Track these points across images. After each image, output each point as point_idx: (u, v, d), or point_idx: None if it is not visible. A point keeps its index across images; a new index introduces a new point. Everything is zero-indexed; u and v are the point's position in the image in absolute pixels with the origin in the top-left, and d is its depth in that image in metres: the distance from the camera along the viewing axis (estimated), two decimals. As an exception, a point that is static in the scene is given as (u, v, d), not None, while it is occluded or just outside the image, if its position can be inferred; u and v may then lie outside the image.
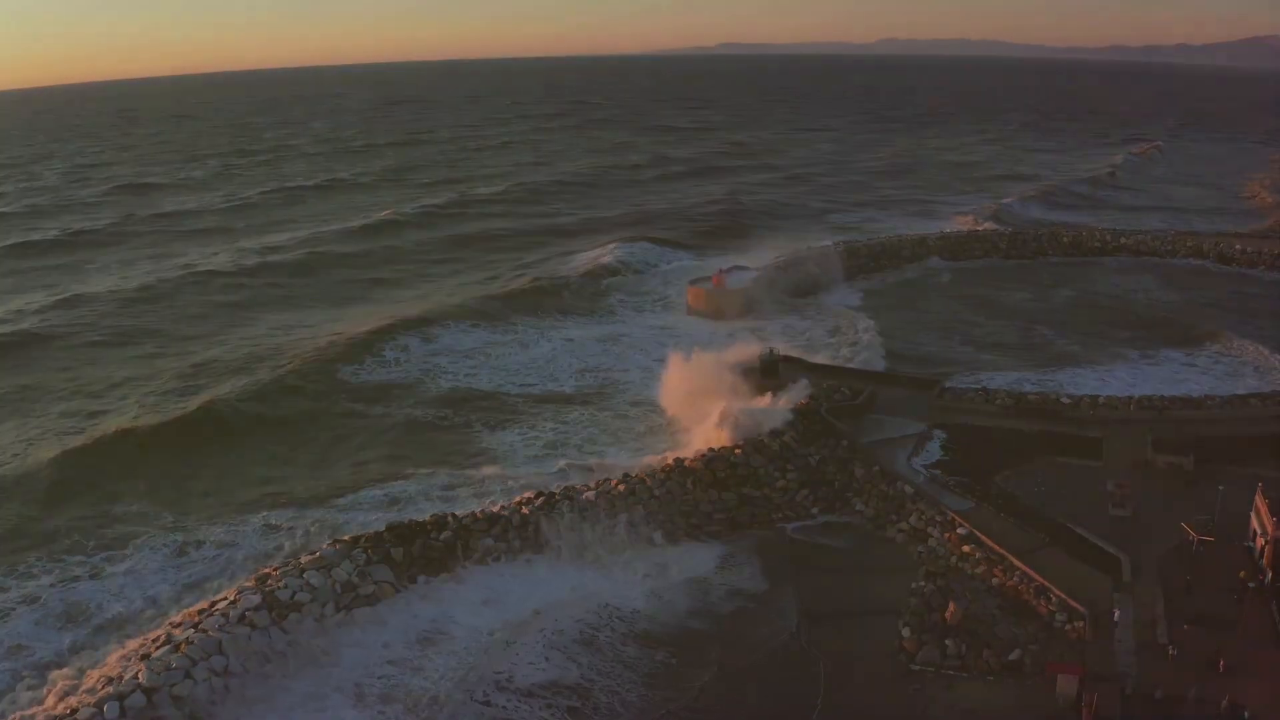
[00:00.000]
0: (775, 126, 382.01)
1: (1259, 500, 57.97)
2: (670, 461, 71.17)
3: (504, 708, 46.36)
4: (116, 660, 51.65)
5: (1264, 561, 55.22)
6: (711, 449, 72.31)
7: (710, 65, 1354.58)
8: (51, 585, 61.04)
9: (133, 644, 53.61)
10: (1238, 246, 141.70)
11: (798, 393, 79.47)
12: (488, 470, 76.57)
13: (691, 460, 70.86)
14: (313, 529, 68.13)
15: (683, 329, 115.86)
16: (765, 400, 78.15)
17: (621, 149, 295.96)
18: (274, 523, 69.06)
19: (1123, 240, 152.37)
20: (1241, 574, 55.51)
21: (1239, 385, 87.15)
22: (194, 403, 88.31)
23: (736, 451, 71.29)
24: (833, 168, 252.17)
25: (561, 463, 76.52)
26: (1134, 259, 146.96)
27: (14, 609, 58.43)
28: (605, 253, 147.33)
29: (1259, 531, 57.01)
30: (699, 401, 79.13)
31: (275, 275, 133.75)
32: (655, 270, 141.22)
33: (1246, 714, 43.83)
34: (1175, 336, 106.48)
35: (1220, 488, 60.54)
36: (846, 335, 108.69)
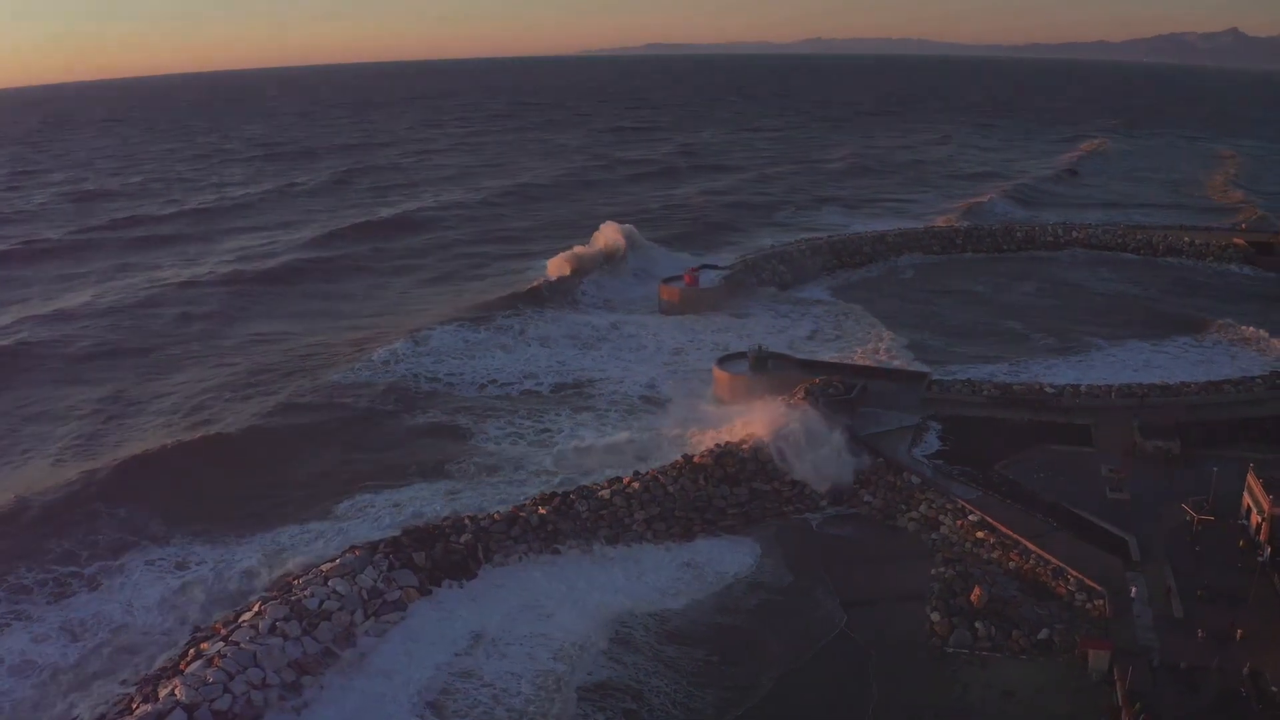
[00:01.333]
0: (721, 126, 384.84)
1: (1251, 480, 60.90)
2: (680, 459, 72.03)
3: (566, 711, 46.39)
4: (147, 677, 50.63)
5: (1261, 538, 58.02)
6: (719, 445, 73.36)
7: (640, 66, 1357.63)
8: (48, 602, 59.27)
9: (160, 660, 52.69)
10: (1185, 239, 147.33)
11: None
12: (486, 469, 76.86)
13: (701, 456, 71.72)
14: (317, 537, 67.53)
15: (656, 327, 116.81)
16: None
17: (574, 152, 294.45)
18: (276, 532, 68.08)
19: (1074, 234, 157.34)
20: (1241, 543, 58.54)
21: (1211, 371, 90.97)
22: (181, 416, 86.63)
23: (744, 447, 72.35)
24: (791, 168, 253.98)
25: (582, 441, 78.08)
26: (1086, 252, 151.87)
27: (10, 624, 56.73)
28: (576, 255, 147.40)
29: (1253, 509, 59.89)
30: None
31: (247, 285, 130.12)
32: (626, 271, 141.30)
33: (1274, 686, 46.05)
34: (1139, 326, 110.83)
35: (1214, 469, 63.37)
36: (871, 335, 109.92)
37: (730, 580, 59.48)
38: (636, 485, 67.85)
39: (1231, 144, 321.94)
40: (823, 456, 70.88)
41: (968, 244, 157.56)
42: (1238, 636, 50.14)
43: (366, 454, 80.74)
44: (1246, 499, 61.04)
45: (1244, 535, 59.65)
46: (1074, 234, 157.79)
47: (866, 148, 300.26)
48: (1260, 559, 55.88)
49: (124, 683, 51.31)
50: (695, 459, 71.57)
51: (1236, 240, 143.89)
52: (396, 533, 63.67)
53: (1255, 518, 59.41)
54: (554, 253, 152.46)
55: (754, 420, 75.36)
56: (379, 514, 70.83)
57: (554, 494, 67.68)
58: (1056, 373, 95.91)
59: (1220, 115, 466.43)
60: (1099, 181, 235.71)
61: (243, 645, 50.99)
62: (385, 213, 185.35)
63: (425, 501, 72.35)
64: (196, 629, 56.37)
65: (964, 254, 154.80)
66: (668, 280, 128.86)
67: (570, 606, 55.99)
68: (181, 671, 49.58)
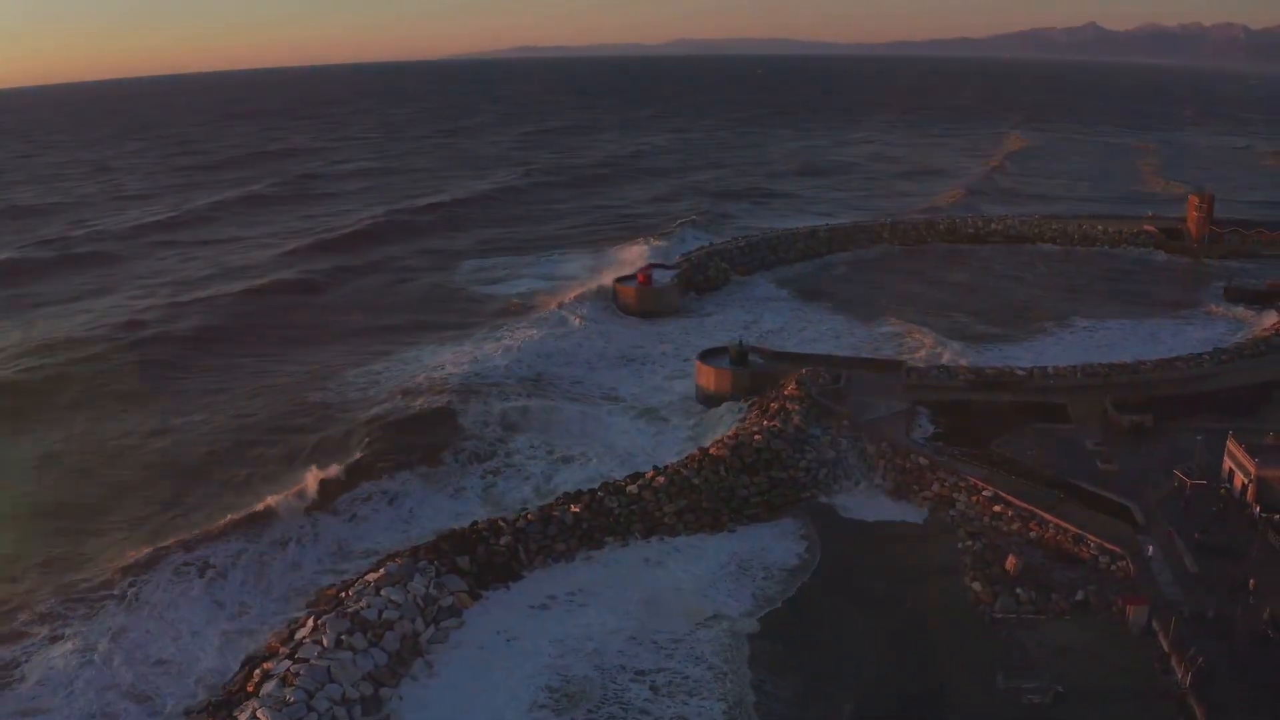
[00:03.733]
0: (632, 130, 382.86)
1: (1232, 445, 66.50)
2: (697, 451, 73.88)
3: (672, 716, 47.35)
4: (216, 702, 49.25)
5: (1249, 498, 63.58)
6: (732, 436, 75.47)
7: (514, 68, 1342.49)
8: (86, 618, 56.70)
9: (222, 683, 51.33)
10: (1099, 228, 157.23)
11: None
12: (475, 457, 78.92)
13: (716, 448, 73.63)
14: (325, 545, 67.01)
15: (615, 329, 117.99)
16: None
17: (497, 161, 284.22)
18: (289, 542, 66.84)
19: (993, 226, 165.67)
20: (1223, 490, 64.81)
21: (1157, 349, 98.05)
22: (158, 439, 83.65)
23: (757, 437, 74.53)
24: (721, 171, 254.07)
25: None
26: (1007, 245, 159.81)
27: (43, 648, 54.17)
28: (522, 263, 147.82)
29: (1236, 472, 65.46)
30: None
31: (221, 306, 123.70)
32: (575, 277, 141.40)
33: (1291, 624, 50.99)
34: (1078, 310, 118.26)
35: (1199, 439, 68.95)
36: (838, 328, 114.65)
37: (782, 566, 61.34)
38: (662, 480, 69.15)
39: (1140, 137, 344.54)
40: None
41: (894, 237, 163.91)
42: (1251, 586, 55.13)
43: (361, 464, 79.64)
44: (1228, 463, 66.63)
45: (1229, 497, 65.15)
46: (993, 225, 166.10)
47: (793, 147, 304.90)
48: (1260, 517, 61.18)
49: (188, 712, 49.77)
50: (711, 450, 73.49)
51: (1147, 227, 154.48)
52: (430, 538, 63.75)
53: (1239, 480, 65.00)
54: (499, 257, 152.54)
55: None
56: (381, 511, 71.51)
57: (581, 492, 68.53)
58: (1012, 356, 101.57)
59: (1113, 109, 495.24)
60: (1038, 178, 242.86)
61: (312, 662, 50.20)
62: (325, 233, 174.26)
63: (429, 503, 73.04)
64: (249, 655, 54.93)
65: (894, 246, 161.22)
66: (621, 280, 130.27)
67: (627, 606, 56.56)
68: (252, 694, 48.61)
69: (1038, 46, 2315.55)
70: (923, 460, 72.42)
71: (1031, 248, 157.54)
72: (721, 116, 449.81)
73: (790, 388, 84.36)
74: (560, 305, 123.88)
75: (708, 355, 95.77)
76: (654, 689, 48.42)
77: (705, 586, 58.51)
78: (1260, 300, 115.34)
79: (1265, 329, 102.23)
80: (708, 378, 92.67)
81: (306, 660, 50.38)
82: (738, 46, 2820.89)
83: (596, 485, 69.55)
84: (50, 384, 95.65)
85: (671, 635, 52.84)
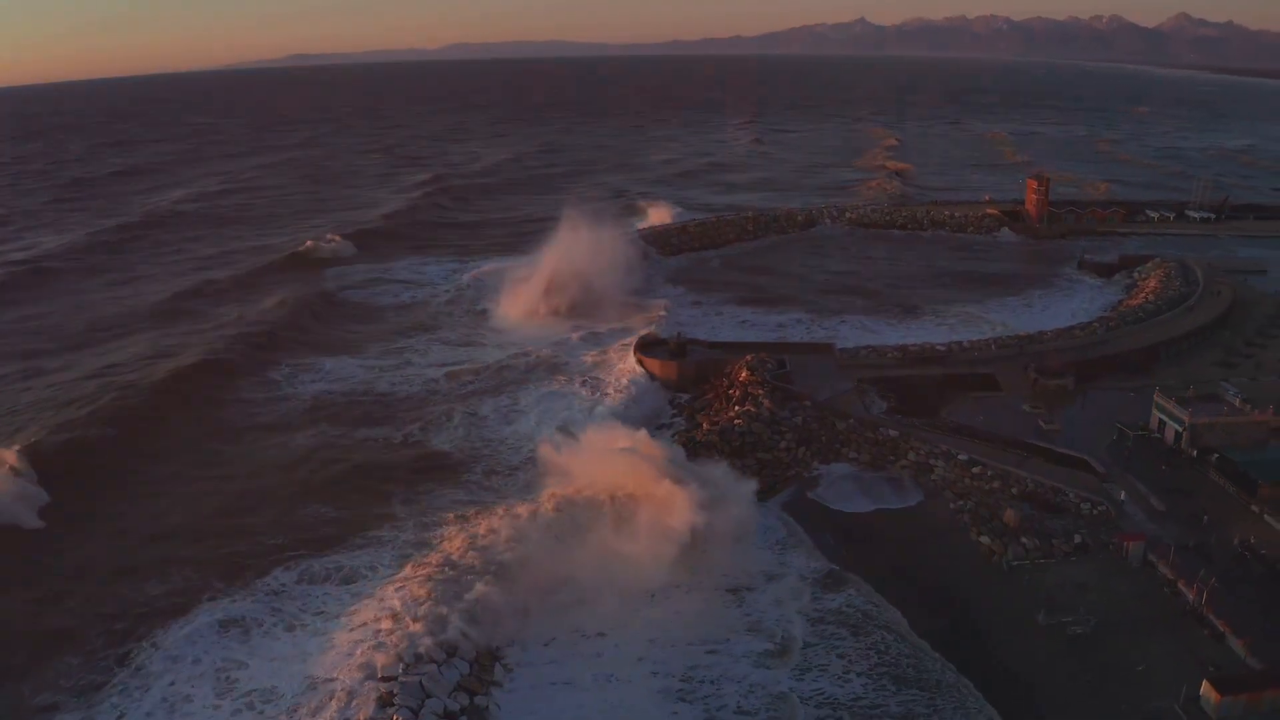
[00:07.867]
0: (484, 138, 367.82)
1: (1160, 399, 75.89)
2: (684, 439, 76.08)
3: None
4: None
5: (1183, 444, 72.97)
6: (715, 423, 78.20)
7: (297, 77, 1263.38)
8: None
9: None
10: (946, 213, 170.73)
11: None
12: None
13: (703, 435, 76.17)
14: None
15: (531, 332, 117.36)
16: None
17: (366, 180, 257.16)
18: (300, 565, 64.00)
19: (848, 215, 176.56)
20: (1143, 428, 74.48)
21: (1047, 319, 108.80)
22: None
23: (737, 422, 77.64)
24: (626, 175, 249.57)
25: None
26: (864, 230, 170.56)
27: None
28: (447, 275, 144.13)
29: (1168, 423, 74.79)
30: None
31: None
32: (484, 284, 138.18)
33: (1262, 549, 59.52)
34: (955, 287, 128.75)
35: (1131, 394, 78.12)
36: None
37: (804, 544, 64.64)
38: (666, 469, 70.97)
39: (984, 126, 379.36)
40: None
41: (758, 230, 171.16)
42: (1204, 521, 63.76)
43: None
44: (1156, 415, 76.04)
45: (1162, 444, 74.56)
46: (848, 215, 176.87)
47: (671, 151, 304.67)
48: (1210, 461, 70.27)
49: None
50: (698, 436, 76.02)
51: (990, 210, 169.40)
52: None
53: (1170, 430, 74.41)
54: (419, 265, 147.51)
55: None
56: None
57: (592, 486, 69.23)
58: (912, 333, 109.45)
59: (935, 102, 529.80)
60: (926, 171, 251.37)
61: (400, 679, 48.93)
62: (248, 265, 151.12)
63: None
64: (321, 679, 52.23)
65: (755, 240, 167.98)
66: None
67: (716, 590, 58.40)
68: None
69: (810, 43, 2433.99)
70: (893, 432, 77.78)
71: (883, 232, 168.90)
72: (565, 121, 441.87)
73: (743, 374, 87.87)
74: (472, 312, 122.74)
75: (647, 348, 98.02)
76: (765, 665, 50.58)
77: (759, 566, 60.97)
78: (1109, 272, 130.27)
79: (1136, 297, 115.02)
80: (652, 370, 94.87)
81: (393, 678, 49.06)
82: (514, 50, 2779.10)
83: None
84: None
85: (756, 618, 55.23)
